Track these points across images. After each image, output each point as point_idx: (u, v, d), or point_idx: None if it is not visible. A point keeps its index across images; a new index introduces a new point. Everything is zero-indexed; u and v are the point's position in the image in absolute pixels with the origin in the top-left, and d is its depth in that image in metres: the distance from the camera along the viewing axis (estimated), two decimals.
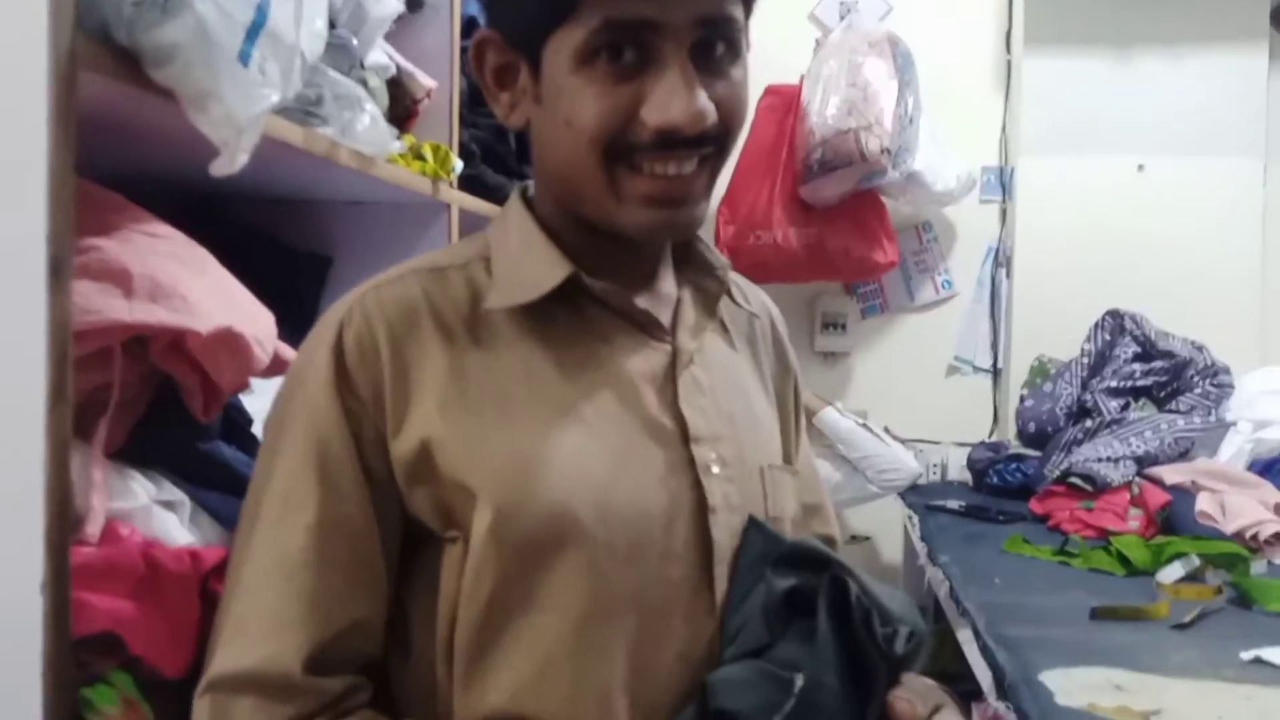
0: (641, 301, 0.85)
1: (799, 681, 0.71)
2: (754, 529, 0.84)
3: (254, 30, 0.88)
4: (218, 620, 0.78)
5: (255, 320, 1.03)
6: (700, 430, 0.83)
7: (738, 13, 0.77)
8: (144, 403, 1.03)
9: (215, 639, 0.77)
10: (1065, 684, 1.31)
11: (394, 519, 0.80)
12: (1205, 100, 2.82)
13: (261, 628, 0.75)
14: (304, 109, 1.15)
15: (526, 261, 0.83)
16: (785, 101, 2.72)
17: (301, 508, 0.77)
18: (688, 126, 0.74)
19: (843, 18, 2.98)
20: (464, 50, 1.65)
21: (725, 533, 0.82)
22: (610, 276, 0.83)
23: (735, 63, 0.78)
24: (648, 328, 0.85)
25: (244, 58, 0.87)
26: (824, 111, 2.60)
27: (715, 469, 0.83)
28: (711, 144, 0.78)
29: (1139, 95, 2.85)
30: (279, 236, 1.57)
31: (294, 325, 1.57)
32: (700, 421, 0.84)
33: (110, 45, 0.84)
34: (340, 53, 1.27)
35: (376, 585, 0.79)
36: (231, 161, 0.90)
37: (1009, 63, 2.99)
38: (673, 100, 0.74)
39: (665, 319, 0.87)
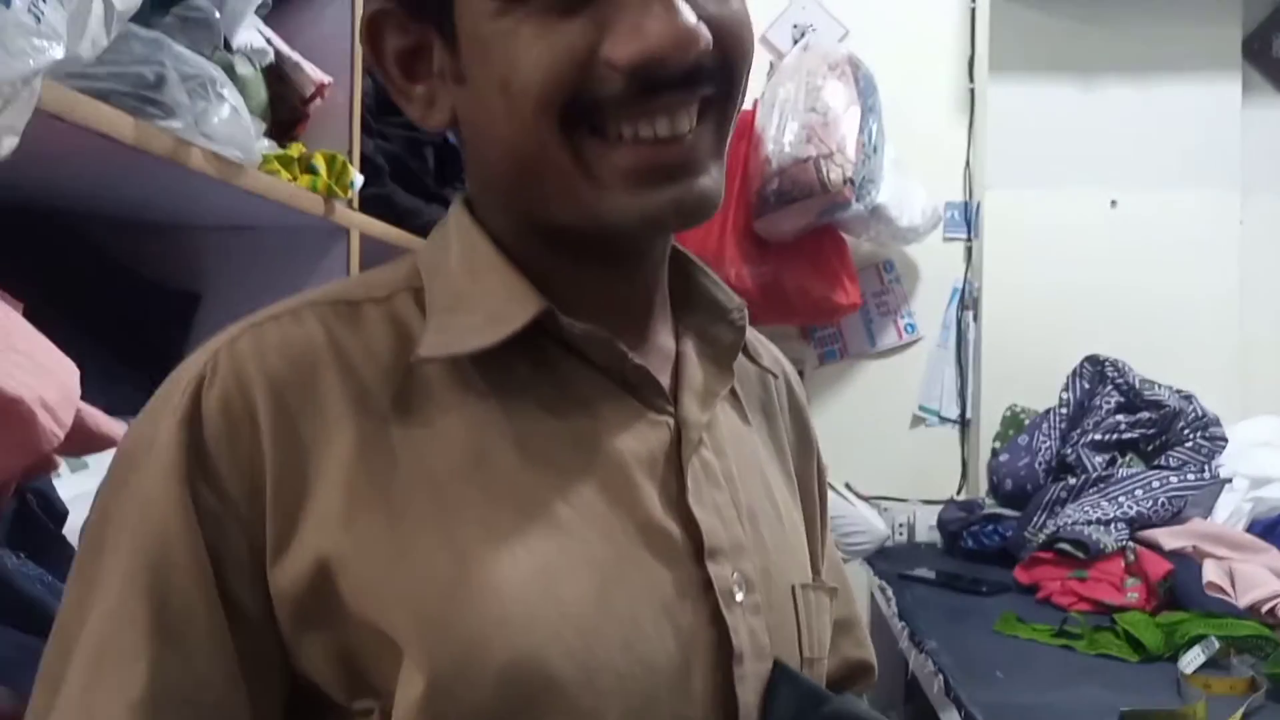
0: (633, 355, 0.60)
1: None
2: (784, 682, 0.59)
3: None
4: None
5: (45, 378, 0.74)
6: (718, 539, 0.59)
7: None
8: None
9: None
10: None
11: (272, 682, 0.54)
12: (1178, 132, 2.66)
13: None
14: (138, 93, 0.87)
15: (476, 292, 0.58)
16: (738, 128, 2.46)
17: (124, 670, 0.51)
18: (674, 54, 0.51)
19: (796, 41, 2.77)
20: None
21: (753, 692, 0.58)
22: (588, 316, 0.58)
23: None
24: (643, 392, 0.60)
25: None
26: (781, 138, 2.37)
27: (739, 595, 0.58)
28: (709, 81, 0.54)
29: (1109, 126, 2.67)
30: (133, 266, 1.27)
31: (149, 378, 1.26)
32: (717, 526, 0.59)
33: None
34: (198, 29, 0.98)
35: None
36: None
37: (972, 91, 2.80)
38: (647, 20, 0.51)
39: (664, 379, 0.62)
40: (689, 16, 0.51)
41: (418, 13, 0.57)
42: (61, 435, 0.73)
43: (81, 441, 0.79)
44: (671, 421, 0.61)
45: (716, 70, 0.54)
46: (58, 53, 0.62)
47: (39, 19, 0.60)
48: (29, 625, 0.76)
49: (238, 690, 0.52)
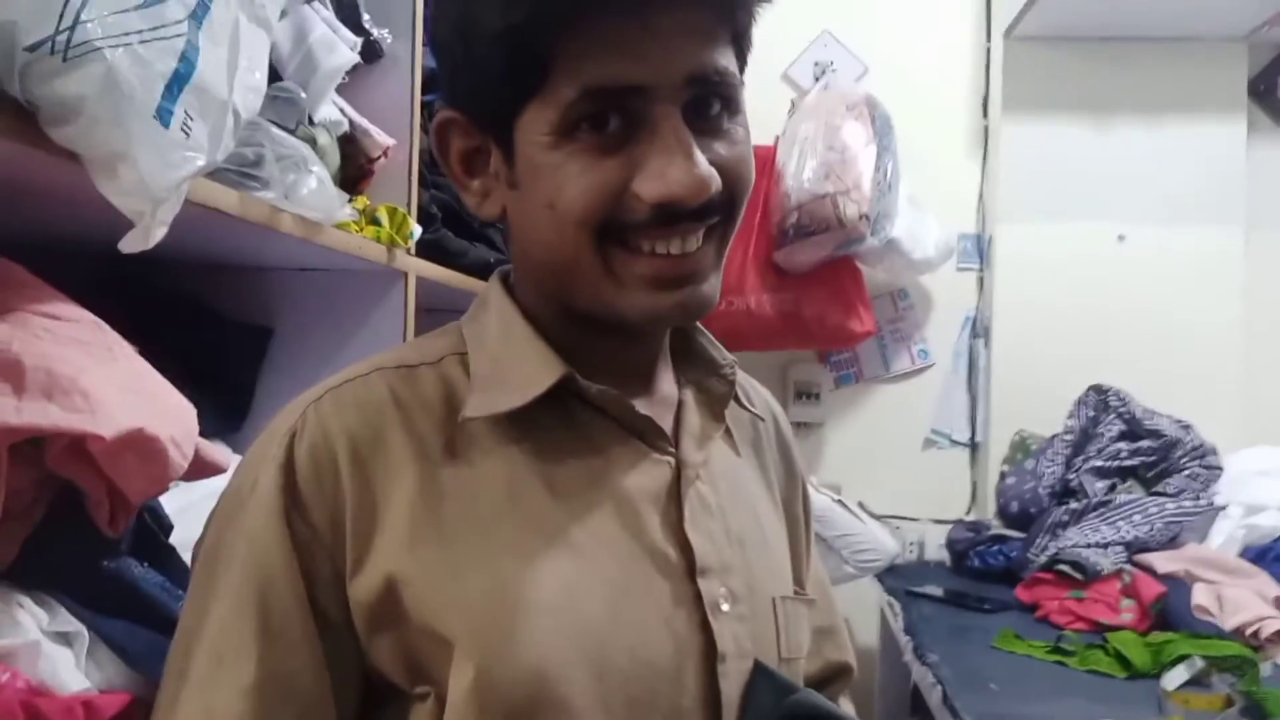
0: (640, 406, 0.74)
1: None
2: (762, 677, 0.72)
3: (176, 83, 0.74)
4: None
5: (172, 418, 0.88)
6: (709, 560, 0.72)
7: (731, 64, 0.67)
8: (39, 512, 0.87)
9: None
10: None
11: (351, 673, 0.68)
12: (1185, 169, 2.77)
13: None
14: (241, 170, 1.01)
15: (510, 359, 0.72)
16: (760, 163, 2.61)
17: (237, 665, 0.65)
18: (690, 197, 0.65)
19: (817, 79, 2.90)
20: (425, 106, 1.52)
21: (735, 685, 0.71)
22: (604, 376, 0.72)
23: (735, 120, 0.69)
24: (648, 437, 0.74)
25: (163, 115, 0.73)
26: (800, 175, 2.50)
27: (725, 606, 0.72)
28: (717, 213, 0.68)
29: (1118, 163, 2.79)
30: (212, 304, 1.42)
31: (226, 406, 1.41)
32: (708, 549, 0.72)
33: (3, 98, 0.70)
34: (286, 107, 1.13)
35: None
36: (145, 237, 0.75)
37: (986, 128, 2.92)
38: (670, 168, 0.64)
39: (666, 425, 0.76)
40: (704, 167, 0.64)
41: (482, 125, 0.70)
42: (185, 466, 0.87)
43: (195, 469, 0.93)
44: (673, 461, 0.74)
45: (722, 205, 0.68)
46: (202, 161, 0.76)
47: (188, 135, 0.75)
48: (153, 624, 0.91)
49: (324, 679, 0.66)
